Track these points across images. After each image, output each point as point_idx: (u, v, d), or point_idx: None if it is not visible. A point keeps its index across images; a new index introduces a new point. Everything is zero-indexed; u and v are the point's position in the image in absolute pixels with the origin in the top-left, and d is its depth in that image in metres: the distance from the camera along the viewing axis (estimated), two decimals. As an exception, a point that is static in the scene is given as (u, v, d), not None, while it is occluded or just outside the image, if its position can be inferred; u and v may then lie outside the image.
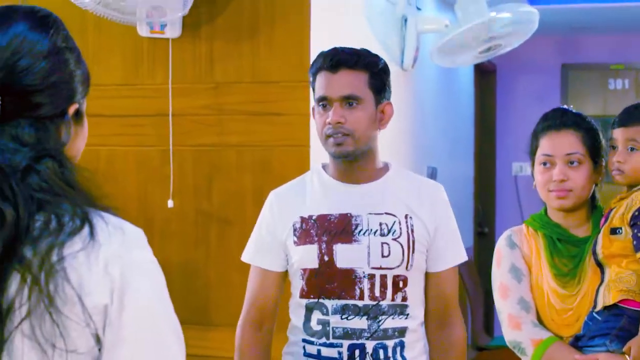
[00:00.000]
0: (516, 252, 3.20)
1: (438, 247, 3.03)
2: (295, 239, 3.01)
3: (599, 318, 3.00)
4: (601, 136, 3.21)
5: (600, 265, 3.05)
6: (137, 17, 4.13)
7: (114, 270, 1.60)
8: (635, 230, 2.97)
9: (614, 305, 2.98)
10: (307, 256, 2.98)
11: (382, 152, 3.16)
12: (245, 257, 3.19)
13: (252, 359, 3.14)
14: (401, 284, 2.97)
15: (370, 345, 2.93)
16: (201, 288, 4.36)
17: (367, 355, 2.93)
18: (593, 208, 3.23)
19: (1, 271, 1.54)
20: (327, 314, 2.95)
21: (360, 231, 2.96)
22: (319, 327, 2.97)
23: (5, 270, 1.55)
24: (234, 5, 4.30)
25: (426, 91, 6.70)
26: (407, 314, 2.98)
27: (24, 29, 1.66)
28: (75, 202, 1.61)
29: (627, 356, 2.93)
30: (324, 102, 2.99)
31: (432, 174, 6.48)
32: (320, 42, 4.25)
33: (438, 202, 3.07)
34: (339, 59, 2.97)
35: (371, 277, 2.94)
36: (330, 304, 2.95)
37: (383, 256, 2.95)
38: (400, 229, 2.97)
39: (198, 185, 4.37)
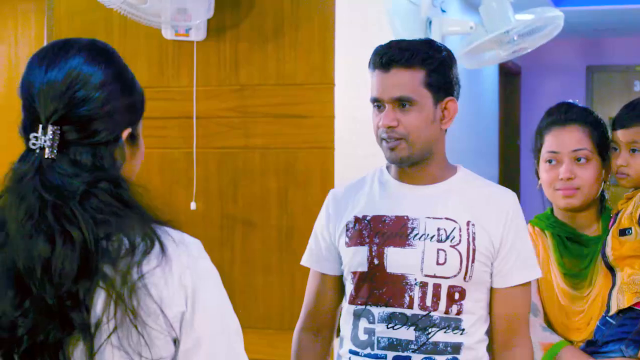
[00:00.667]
0: None
1: (506, 261, 2.72)
2: (347, 239, 2.79)
3: (613, 322, 2.88)
4: (609, 131, 3.08)
5: (611, 268, 2.92)
6: (162, 20, 4.14)
7: (186, 280, 1.78)
8: None
9: (629, 309, 2.85)
10: (357, 258, 2.75)
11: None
12: (303, 260, 2.98)
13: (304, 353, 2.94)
14: (457, 296, 2.68)
15: (417, 359, 2.66)
16: (226, 290, 4.36)
17: None
18: (602, 208, 3.09)
19: (87, 290, 1.69)
20: (373, 322, 2.71)
21: (415, 235, 2.70)
22: (365, 337, 2.72)
23: (90, 289, 1.69)
24: (258, 8, 4.31)
25: (450, 93, 6.68)
26: (463, 329, 2.68)
27: (79, 63, 1.80)
28: (139, 221, 1.77)
29: None
30: (377, 103, 2.75)
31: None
32: (344, 44, 4.25)
33: (508, 212, 2.74)
34: (390, 57, 2.70)
35: (423, 285, 2.67)
36: (377, 311, 2.70)
37: (438, 263, 2.67)
38: (460, 236, 2.68)
39: (222, 188, 4.37)
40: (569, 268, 3.02)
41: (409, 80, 2.69)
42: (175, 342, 1.78)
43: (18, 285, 1.70)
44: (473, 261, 2.68)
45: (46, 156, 1.76)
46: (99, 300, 1.71)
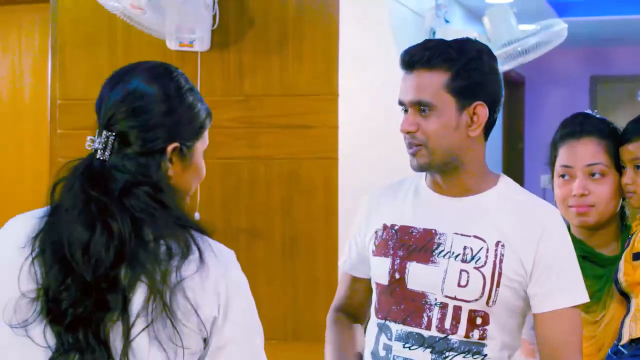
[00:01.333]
0: None
1: (541, 283, 2.48)
2: (374, 248, 2.64)
3: (625, 352, 2.65)
4: None
5: (625, 293, 2.72)
6: (166, 31, 4.15)
7: (220, 288, 1.97)
8: None
9: None
10: (380, 270, 2.60)
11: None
12: (340, 263, 2.86)
13: (334, 327, 2.81)
14: (479, 321, 2.48)
15: None
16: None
17: None
18: (623, 226, 2.89)
19: (127, 278, 1.91)
20: (390, 339, 2.55)
21: (441, 252, 2.52)
22: (384, 353, 2.57)
23: (131, 278, 1.91)
24: (262, 19, 4.32)
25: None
26: (485, 355, 2.49)
27: (137, 82, 2.05)
28: (176, 226, 1.96)
29: None
30: (402, 106, 2.55)
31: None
32: (348, 55, 4.26)
33: (544, 229, 2.51)
34: (412, 56, 2.52)
35: (443, 306, 2.49)
36: (395, 328, 2.55)
37: (459, 285, 2.48)
38: (487, 257, 2.48)
39: (226, 198, 4.37)
40: None
41: (429, 83, 2.49)
42: (205, 340, 1.96)
43: (62, 263, 1.91)
44: (498, 286, 2.47)
45: (97, 157, 1.99)
46: (140, 293, 1.90)
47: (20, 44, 5.33)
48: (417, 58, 2.51)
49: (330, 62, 4.21)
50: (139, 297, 1.91)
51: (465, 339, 2.48)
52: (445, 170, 2.55)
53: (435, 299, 2.50)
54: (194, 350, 1.95)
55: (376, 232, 2.65)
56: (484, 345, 2.49)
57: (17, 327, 1.92)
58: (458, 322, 2.48)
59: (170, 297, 1.90)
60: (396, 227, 2.60)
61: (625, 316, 2.70)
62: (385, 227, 2.63)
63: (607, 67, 9.55)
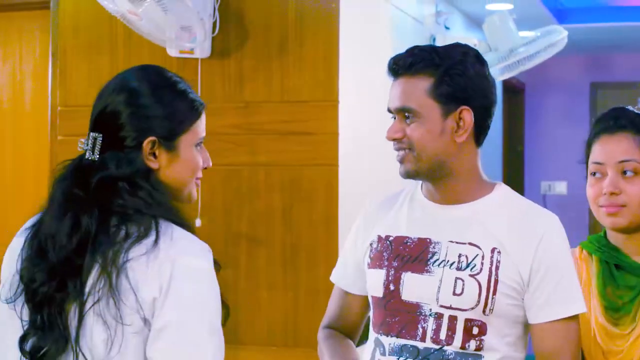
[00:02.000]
0: None
1: (539, 293, 2.43)
2: (369, 260, 2.60)
3: None
4: None
5: None
6: (166, 37, 4.15)
7: (165, 270, 2.03)
8: None
9: None
10: (375, 282, 2.55)
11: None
12: (331, 276, 2.78)
13: (328, 340, 2.71)
14: (476, 331, 2.42)
15: None
16: (230, 307, 4.35)
17: None
18: None
19: (86, 264, 2.05)
20: (384, 353, 2.49)
21: (435, 261, 2.47)
22: None
23: (88, 264, 2.05)
24: (262, 25, 4.32)
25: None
26: None
27: (116, 84, 2.21)
28: (150, 215, 2.08)
29: None
30: (390, 114, 2.54)
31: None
32: (348, 61, 4.26)
33: (542, 237, 2.44)
34: (397, 63, 2.50)
35: (438, 316, 2.43)
36: (387, 342, 2.49)
37: (454, 294, 2.42)
38: (482, 264, 2.42)
39: (227, 204, 4.38)
40: (613, 300, 2.57)
41: (413, 90, 2.46)
42: (146, 321, 2.03)
43: (39, 248, 2.11)
44: (494, 293, 2.41)
45: (86, 157, 2.17)
46: (95, 274, 2.04)
47: (21, 50, 5.33)
48: (401, 64, 2.49)
49: (330, 68, 4.21)
50: (92, 278, 2.05)
51: (461, 350, 2.42)
52: (435, 178, 2.51)
53: (430, 310, 2.44)
54: (135, 329, 2.03)
55: (371, 245, 2.61)
56: (480, 357, 2.42)
57: (9, 301, 2.13)
58: (454, 332, 2.42)
59: (116, 277, 2.02)
60: (391, 238, 2.57)
61: None
62: (380, 238, 2.59)
63: (607, 73, 9.55)
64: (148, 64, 2.35)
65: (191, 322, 2.04)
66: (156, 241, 2.05)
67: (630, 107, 2.71)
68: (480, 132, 2.54)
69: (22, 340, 2.08)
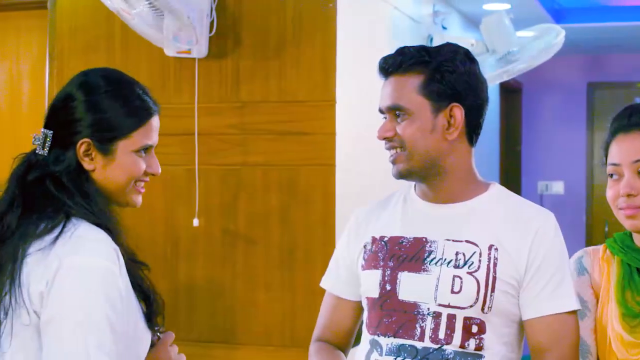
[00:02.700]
0: (584, 280, 2.57)
1: (532, 288, 2.42)
2: (363, 262, 2.57)
3: None
4: None
5: None
6: (164, 35, 4.15)
7: (53, 266, 2.08)
8: None
9: None
10: (370, 283, 2.53)
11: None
12: (322, 282, 2.76)
13: (319, 354, 2.67)
14: (475, 329, 2.40)
15: None
16: (227, 307, 4.36)
17: None
18: None
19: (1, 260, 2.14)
20: (381, 354, 2.46)
21: (432, 260, 2.45)
22: None
23: (2, 257, 2.14)
24: (260, 25, 4.32)
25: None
26: None
27: (67, 85, 2.32)
28: (63, 214, 2.14)
29: None
30: (382, 114, 2.54)
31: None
32: (345, 62, 4.26)
33: (537, 232, 2.44)
34: (385, 63, 2.52)
35: (437, 315, 2.41)
36: (385, 342, 2.46)
37: (453, 292, 2.40)
38: (480, 261, 2.41)
39: (224, 205, 4.37)
40: (631, 306, 2.46)
41: (403, 88, 2.47)
42: (37, 313, 2.08)
43: None
44: (493, 290, 2.40)
45: (37, 151, 2.26)
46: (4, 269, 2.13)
47: (18, 50, 5.33)
48: (390, 63, 2.50)
49: (327, 68, 4.21)
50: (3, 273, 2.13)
51: (460, 349, 2.39)
52: (428, 177, 2.50)
53: (428, 309, 2.42)
54: (24, 321, 2.09)
55: (365, 246, 2.59)
56: (481, 356, 2.40)
57: None
58: (453, 331, 2.40)
59: (13, 270, 2.10)
60: (385, 239, 2.55)
61: None
62: (374, 239, 2.57)
63: (604, 73, 9.55)
64: (107, 67, 2.40)
65: (70, 318, 2.05)
66: (56, 239, 2.11)
67: None
68: (472, 131, 2.53)
69: None
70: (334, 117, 4.18)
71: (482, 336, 2.40)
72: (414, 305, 2.44)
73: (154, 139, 2.31)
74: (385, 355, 2.45)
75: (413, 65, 2.47)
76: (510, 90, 9.17)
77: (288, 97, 4.28)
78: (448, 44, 2.54)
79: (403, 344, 2.43)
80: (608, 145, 2.56)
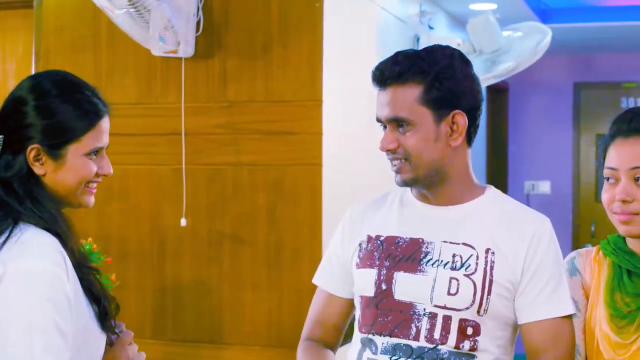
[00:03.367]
0: (576, 280, 2.60)
1: (528, 292, 2.44)
2: (358, 260, 2.56)
3: None
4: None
5: None
6: (150, 37, 4.14)
7: None
8: None
9: None
10: (365, 281, 2.52)
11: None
12: (314, 278, 2.73)
13: (306, 352, 2.66)
14: (470, 331, 2.41)
15: None
16: (214, 307, 4.36)
17: None
18: None
19: None
20: (375, 352, 2.46)
21: (429, 261, 2.45)
22: None
23: None
24: (247, 25, 4.32)
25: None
26: None
27: (17, 89, 2.28)
28: (12, 219, 2.14)
29: None
30: (380, 123, 2.50)
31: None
32: (332, 62, 4.27)
33: (533, 237, 2.45)
34: (383, 72, 2.47)
35: (432, 316, 2.41)
36: (380, 341, 2.45)
37: (449, 294, 2.41)
38: (477, 264, 2.42)
39: (211, 204, 4.37)
40: (619, 308, 2.49)
41: (403, 98, 2.43)
42: None
43: None
44: (489, 293, 2.41)
45: None
46: None
47: (3, 49, 5.32)
48: (387, 74, 2.45)
49: (314, 68, 4.22)
50: None
51: (455, 350, 2.40)
52: (432, 183, 2.49)
53: (424, 309, 2.42)
54: None
55: (360, 245, 2.58)
56: (474, 357, 2.41)
57: None
58: (448, 332, 2.40)
59: None
60: (382, 238, 2.54)
61: None
62: (369, 238, 2.56)
63: (590, 74, 9.57)
64: (53, 70, 2.40)
65: (16, 323, 2.05)
66: (2, 244, 2.11)
67: None
68: (472, 133, 2.53)
69: None
70: (320, 116, 4.18)
71: (477, 338, 2.41)
72: (410, 305, 2.44)
73: (104, 141, 2.30)
74: (381, 354, 2.45)
75: (412, 75, 2.43)
76: (497, 91, 9.18)
77: (275, 97, 4.28)
78: (440, 47, 2.51)
79: (398, 343, 2.43)
80: (606, 148, 2.55)
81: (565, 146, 9.53)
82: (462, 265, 2.43)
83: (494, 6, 6.27)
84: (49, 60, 4.60)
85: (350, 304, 2.65)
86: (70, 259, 2.16)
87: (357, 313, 2.56)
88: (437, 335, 2.41)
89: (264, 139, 4.28)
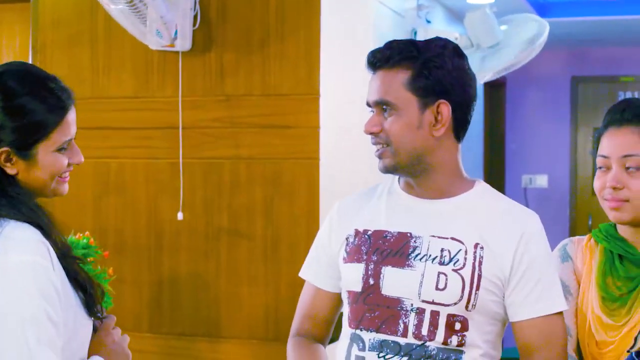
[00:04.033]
0: (568, 266, 2.67)
1: (519, 291, 2.42)
2: (345, 254, 2.55)
3: None
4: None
5: None
6: (147, 29, 4.14)
7: None
8: None
9: None
10: (352, 276, 2.50)
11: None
12: (301, 271, 2.74)
13: (296, 350, 2.65)
14: (458, 326, 2.40)
15: None
16: (211, 301, 4.36)
17: None
18: None
19: None
20: (363, 349, 2.44)
21: (417, 256, 2.43)
22: None
23: None
24: (244, 19, 4.31)
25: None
26: None
27: None
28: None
29: None
30: (369, 107, 2.51)
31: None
32: (329, 55, 4.26)
33: (523, 234, 2.43)
34: (374, 57, 2.48)
35: (420, 312, 2.40)
36: (367, 337, 2.44)
37: (437, 289, 2.39)
38: (465, 259, 2.40)
39: (208, 198, 4.37)
40: (611, 291, 2.57)
41: (390, 82, 2.44)
42: None
43: None
44: (477, 289, 2.39)
45: None
46: None
47: (0, 43, 5.31)
48: (379, 57, 2.47)
49: (311, 62, 4.21)
50: None
51: (443, 346, 2.39)
52: (415, 172, 2.49)
53: (412, 305, 2.41)
54: None
55: (347, 239, 2.56)
56: (462, 352, 2.40)
57: None
58: (436, 328, 2.39)
59: None
60: (369, 232, 2.52)
61: None
62: (357, 232, 2.55)
63: (587, 67, 9.56)
64: (12, 63, 2.33)
65: (6, 315, 2.06)
66: None
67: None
68: (459, 127, 2.51)
69: None
70: (317, 110, 4.18)
71: (465, 333, 2.40)
72: (398, 301, 2.42)
73: (72, 132, 2.29)
74: (368, 350, 2.44)
75: (401, 60, 2.44)
76: (494, 85, 9.17)
77: (272, 91, 4.27)
78: (438, 39, 2.51)
79: (386, 340, 2.42)
80: (600, 137, 2.61)
81: (563, 140, 9.53)
82: (450, 260, 2.41)
83: (491, 0, 6.27)
84: (46, 53, 4.59)
85: (338, 297, 2.63)
86: (55, 250, 2.17)
87: (345, 308, 2.55)
88: (424, 331, 2.39)
89: (261, 132, 4.28)
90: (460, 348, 2.40)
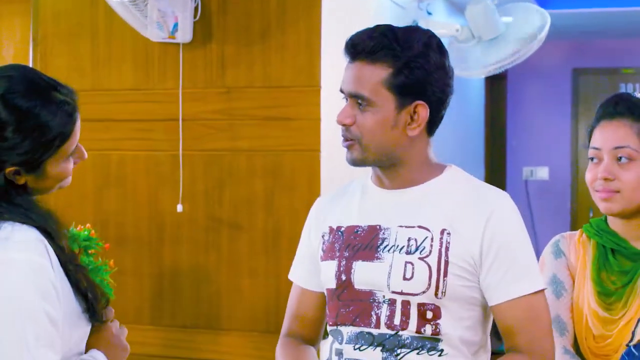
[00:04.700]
0: (561, 262, 2.69)
1: (494, 273, 2.36)
2: (322, 253, 2.55)
3: (636, 353, 2.50)
4: None
5: None
6: (147, 21, 4.14)
7: None
8: None
9: None
10: (328, 274, 2.49)
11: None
12: (290, 274, 2.73)
13: (285, 350, 2.65)
14: (430, 315, 2.36)
15: None
16: (212, 293, 4.36)
17: None
18: None
19: None
20: (341, 342, 2.44)
21: (385, 247, 2.41)
22: (336, 359, 2.46)
23: None
24: (244, 11, 4.31)
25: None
26: (441, 350, 2.36)
27: None
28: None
29: None
30: (342, 94, 2.46)
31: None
32: (330, 47, 4.26)
33: (492, 214, 2.38)
34: (356, 45, 2.41)
35: (391, 302, 2.38)
36: (345, 331, 2.44)
37: (405, 278, 2.36)
38: (432, 246, 2.36)
39: (208, 190, 4.37)
40: (606, 286, 2.60)
41: (369, 77, 2.38)
42: None
43: None
44: (445, 275, 2.35)
45: None
46: None
47: (1, 35, 5.31)
48: (360, 48, 2.40)
49: (312, 54, 4.21)
50: None
51: (417, 335, 2.36)
52: (383, 166, 2.46)
53: (383, 296, 2.38)
54: None
55: (323, 237, 2.56)
56: (439, 340, 2.37)
57: None
58: (408, 317, 2.36)
59: None
60: (342, 229, 2.51)
61: None
62: (331, 229, 2.54)
63: (589, 59, 9.56)
64: (10, 71, 2.23)
65: (4, 313, 2.06)
66: None
67: (633, 94, 2.71)
68: (433, 124, 2.47)
69: None
70: (318, 102, 4.18)
71: (438, 321, 2.37)
72: (370, 294, 2.41)
73: (78, 137, 2.27)
74: (346, 343, 2.44)
75: (382, 55, 2.38)
76: (495, 77, 9.16)
77: (273, 83, 4.27)
78: (420, 32, 2.45)
79: (361, 332, 2.41)
80: (592, 130, 2.66)
81: (564, 132, 9.53)
82: (417, 249, 2.38)
83: (492, -8, 6.25)
84: (47, 45, 4.59)
85: (324, 296, 2.60)
86: (60, 257, 2.17)
87: (327, 305, 2.55)
88: (397, 321, 2.37)
89: (261, 124, 4.28)
90: (436, 336, 2.37)
